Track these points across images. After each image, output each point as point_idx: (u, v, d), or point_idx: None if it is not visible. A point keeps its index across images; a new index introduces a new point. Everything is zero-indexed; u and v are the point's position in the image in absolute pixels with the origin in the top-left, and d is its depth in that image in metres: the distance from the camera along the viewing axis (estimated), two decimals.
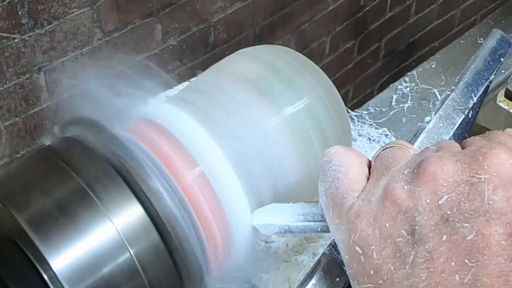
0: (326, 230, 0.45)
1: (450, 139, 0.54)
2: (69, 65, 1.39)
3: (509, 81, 1.10)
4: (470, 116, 0.58)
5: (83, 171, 0.50)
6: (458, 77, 0.60)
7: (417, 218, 0.39)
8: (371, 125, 1.03)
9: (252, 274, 0.69)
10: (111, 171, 0.50)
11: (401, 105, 1.09)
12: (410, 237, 0.39)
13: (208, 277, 0.53)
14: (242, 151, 0.56)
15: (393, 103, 1.10)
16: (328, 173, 0.44)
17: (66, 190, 0.49)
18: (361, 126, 1.02)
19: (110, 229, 0.48)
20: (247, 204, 0.55)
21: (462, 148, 0.43)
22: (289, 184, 0.59)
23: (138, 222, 0.49)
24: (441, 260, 0.38)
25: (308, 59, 0.65)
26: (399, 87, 1.13)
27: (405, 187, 0.40)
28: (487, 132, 0.44)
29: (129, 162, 0.50)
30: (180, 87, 0.66)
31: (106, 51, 1.44)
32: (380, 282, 0.40)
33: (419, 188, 0.40)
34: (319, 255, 0.51)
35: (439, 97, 1.09)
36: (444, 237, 0.38)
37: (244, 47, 0.67)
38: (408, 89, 1.12)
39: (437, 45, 2.27)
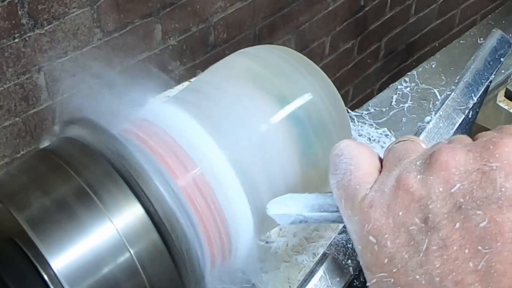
0: (341, 220, 0.46)
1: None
2: (69, 65, 1.38)
3: (509, 81, 1.10)
4: (470, 116, 0.58)
5: (83, 171, 0.50)
6: (458, 77, 0.60)
7: (430, 206, 0.40)
8: (371, 125, 1.03)
9: (252, 274, 0.69)
10: (111, 171, 0.50)
11: (401, 105, 1.09)
12: (423, 225, 0.40)
13: (208, 277, 0.53)
14: (241, 151, 0.56)
15: (393, 103, 1.10)
16: (339, 165, 0.45)
17: (66, 190, 0.49)
18: (361, 126, 1.02)
19: (110, 229, 0.48)
20: (247, 204, 0.55)
21: (474, 141, 0.43)
22: (289, 184, 0.59)
23: (138, 222, 0.49)
24: (455, 248, 0.38)
25: (308, 59, 0.65)
26: (399, 87, 1.13)
27: (418, 176, 0.41)
28: (498, 126, 0.44)
29: (129, 162, 0.50)
30: (180, 87, 0.66)
31: (106, 51, 1.44)
32: (394, 270, 0.40)
33: (431, 177, 0.40)
34: (319, 255, 0.51)
35: (439, 97, 1.10)
36: (457, 224, 0.39)
37: (244, 47, 0.67)
38: (408, 89, 1.13)
39: (437, 45, 2.27)
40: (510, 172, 0.39)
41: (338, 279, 0.49)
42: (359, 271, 0.51)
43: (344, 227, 0.47)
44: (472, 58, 0.61)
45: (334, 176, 0.45)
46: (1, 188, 0.50)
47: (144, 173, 0.49)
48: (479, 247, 0.38)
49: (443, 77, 1.15)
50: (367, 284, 0.43)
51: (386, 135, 1.00)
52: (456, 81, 0.59)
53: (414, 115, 1.07)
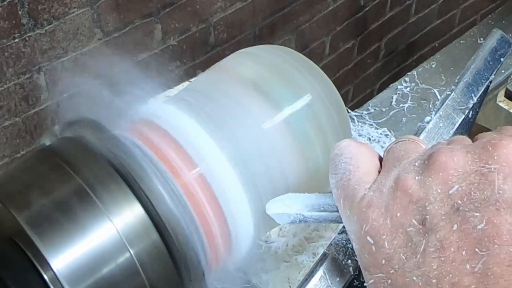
0: (340, 220, 0.46)
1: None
2: (69, 65, 1.38)
3: (509, 81, 1.10)
4: (470, 116, 0.58)
5: (83, 171, 0.50)
6: (458, 77, 0.60)
7: (428, 208, 0.40)
8: (371, 125, 1.03)
9: (252, 274, 0.70)
10: (111, 171, 0.50)
11: (401, 105, 1.09)
12: (421, 227, 0.40)
13: (208, 277, 0.53)
14: (241, 151, 0.56)
15: (393, 103, 1.10)
16: (339, 165, 0.45)
17: (66, 190, 0.49)
18: (361, 126, 1.02)
19: (110, 229, 0.48)
20: (247, 204, 0.55)
21: (473, 142, 0.43)
22: (289, 184, 0.59)
23: (138, 222, 0.49)
24: (452, 249, 0.38)
25: (308, 59, 0.65)
26: (399, 87, 1.13)
27: (416, 177, 0.41)
28: (498, 127, 0.44)
29: (129, 162, 0.50)
30: (180, 87, 0.66)
31: (106, 51, 1.44)
32: (391, 271, 0.40)
33: (430, 178, 0.40)
34: (319, 255, 0.51)
35: (439, 97, 1.10)
36: (455, 226, 0.39)
37: (244, 47, 0.67)
38: (408, 89, 1.13)
39: (437, 45, 2.27)
40: (509, 174, 0.39)
41: (338, 279, 0.49)
42: (359, 271, 0.51)
43: (344, 227, 0.47)
44: (472, 58, 0.61)
45: (334, 175, 0.45)
46: (1, 188, 0.50)
47: (144, 173, 0.49)
48: (476, 249, 0.38)
49: (443, 77, 1.15)
50: (365, 284, 0.43)
51: (386, 135, 1.00)
52: (456, 81, 0.59)
53: (414, 115, 1.07)
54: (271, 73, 0.62)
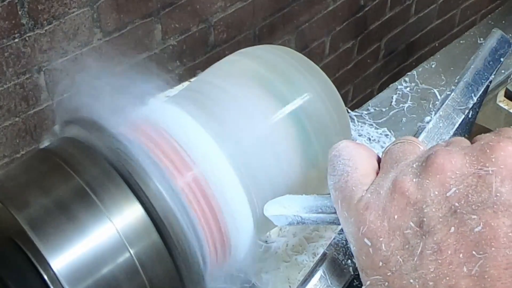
0: (338, 222, 0.45)
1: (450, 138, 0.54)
2: (69, 65, 1.38)
3: (509, 81, 1.10)
4: (470, 116, 0.58)
5: (83, 171, 0.50)
6: (458, 77, 0.60)
7: (425, 210, 0.40)
8: (371, 125, 1.03)
9: (252, 274, 0.70)
10: (111, 171, 0.50)
11: (401, 105, 1.09)
12: (418, 229, 0.40)
13: (208, 277, 0.53)
14: (241, 151, 0.56)
15: (393, 103, 1.10)
16: (337, 167, 0.45)
17: (66, 190, 0.49)
18: (361, 126, 1.02)
19: (110, 229, 0.48)
20: (247, 204, 0.55)
21: (472, 144, 0.43)
22: (289, 184, 0.59)
23: (138, 222, 0.49)
24: (449, 252, 0.38)
25: (308, 59, 0.65)
26: (399, 87, 1.13)
27: (414, 179, 0.41)
28: (497, 128, 0.44)
29: (129, 162, 0.50)
30: (180, 87, 0.66)
31: (106, 51, 1.44)
32: (388, 274, 0.40)
33: (427, 181, 0.40)
34: (319, 255, 0.51)
35: (439, 97, 1.09)
36: (452, 228, 0.39)
37: (244, 47, 0.67)
38: (408, 89, 1.12)
39: (437, 45, 2.27)
40: (506, 176, 0.39)
41: (338, 279, 0.49)
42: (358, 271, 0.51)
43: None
44: (472, 58, 0.61)
45: (332, 177, 0.45)
46: (1, 188, 0.50)
47: (144, 173, 0.49)
48: (474, 252, 0.38)
49: (443, 77, 1.15)
50: (363, 286, 0.43)
51: (386, 135, 1.00)
52: (456, 81, 0.59)
53: (414, 115, 1.07)
54: (271, 73, 0.62)
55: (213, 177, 0.54)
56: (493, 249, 0.38)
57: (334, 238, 0.51)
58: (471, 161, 0.40)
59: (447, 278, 0.38)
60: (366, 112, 1.07)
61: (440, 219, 0.39)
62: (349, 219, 0.43)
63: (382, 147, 0.97)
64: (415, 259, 0.39)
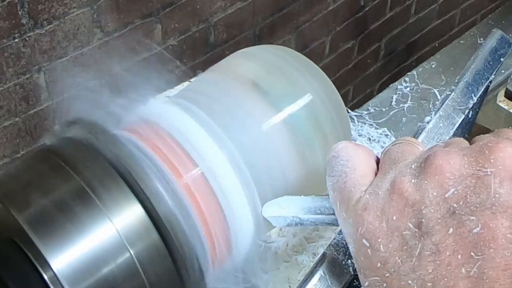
0: (337, 223, 0.45)
1: (450, 139, 0.54)
2: (69, 65, 1.38)
3: (509, 81, 1.10)
4: (470, 116, 0.58)
5: (83, 171, 0.50)
6: (458, 77, 0.60)
7: (424, 211, 0.39)
8: (371, 125, 1.03)
9: (252, 274, 0.69)
10: (111, 171, 0.50)
11: (401, 105, 1.09)
12: (417, 230, 0.39)
13: (208, 277, 0.53)
14: (241, 151, 0.56)
15: (393, 103, 1.10)
16: (335, 167, 0.45)
17: (66, 190, 0.49)
18: (361, 126, 1.02)
19: (110, 229, 0.48)
20: (247, 204, 0.55)
21: (471, 145, 0.43)
22: (289, 184, 0.59)
23: (138, 222, 0.49)
24: (448, 253, 0.38)
25: (308, 59, 0.65)
26: (399, 87, 1.13)
27: (412, 180, 0.41)
28: (496, 129, 0.44)
29: (129, 162, 0.50)
30: (180, 87, 0.66)
31: (106, 51, 1.44)
32: (387, 275, 0.40)
33: (425, 182, 0.40)
34: (319, 255, 0.51)
35: (439, 97, 1.10)
36: (451, 230, 0.39)
37: (244, 47, 0.67)
38: (408, 89, 1.13)
39: (437, 45, 2.27)
40: (505, 177, 0.39)
41: (338, 279, 0.49)
42: None
43: None
44: (472, 58, 0.61)
45: (331, 178, 0.45)
46: (1, 188, 0.50)
47: (144, 173, 0.49)
48: (472, 253, 0.38)
49: (443, 77, 1.15)
50: (361, 287, 0.43)
51: (386, 135, 1.00)
52: (456, 81, 0.59)
53: (414, 115, 1.07)
54: (271, 73, 0.62)
55: (213, 177, 0.54)
56: (491, 250, 0.38)
57: (334, 238, 0.51)
58: (469, 162, 0.40)
59: (446, 279, 0.38)
60: (366, 112, 1.07)
61: (439, 220, 0.39)
62: (348, 220, 0.43)
63: (382, 147, 0.97)
64: (414, 260, 0.39)
